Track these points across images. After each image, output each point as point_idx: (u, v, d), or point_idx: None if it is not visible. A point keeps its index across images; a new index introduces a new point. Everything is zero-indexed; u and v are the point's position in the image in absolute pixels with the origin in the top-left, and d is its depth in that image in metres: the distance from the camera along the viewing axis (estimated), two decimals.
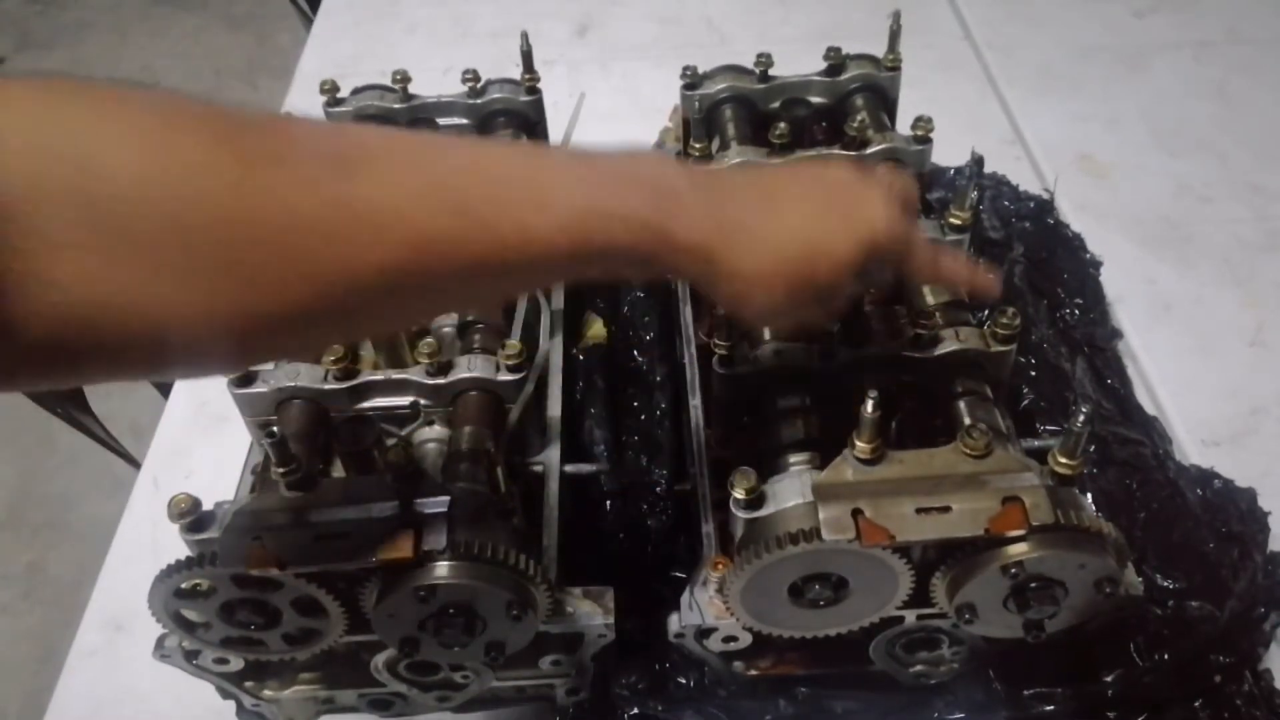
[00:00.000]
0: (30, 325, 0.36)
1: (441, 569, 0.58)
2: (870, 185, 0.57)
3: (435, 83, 0.98)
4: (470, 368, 0.71)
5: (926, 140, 0.84)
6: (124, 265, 0.37)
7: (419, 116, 0.95)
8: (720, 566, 0.64)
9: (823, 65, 0.92)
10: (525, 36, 0.94)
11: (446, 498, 0.60)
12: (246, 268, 0.40)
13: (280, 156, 0.41)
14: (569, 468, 0.75)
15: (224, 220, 0.39)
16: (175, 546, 0.61)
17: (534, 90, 0.95)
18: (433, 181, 0.44)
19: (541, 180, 0.47)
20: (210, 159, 0.39)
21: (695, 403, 0.78)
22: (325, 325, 0.45)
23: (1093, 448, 0.88)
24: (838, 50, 0.92)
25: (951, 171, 1.14)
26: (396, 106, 0.94)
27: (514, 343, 0.70)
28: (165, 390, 1.10)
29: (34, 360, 0.38)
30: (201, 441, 1.00)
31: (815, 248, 0.53)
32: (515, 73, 0.96)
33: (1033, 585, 0.60)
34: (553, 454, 0.75)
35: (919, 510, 0.57)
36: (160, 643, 0.67)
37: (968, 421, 0.66)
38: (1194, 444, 0.94)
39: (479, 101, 0.95)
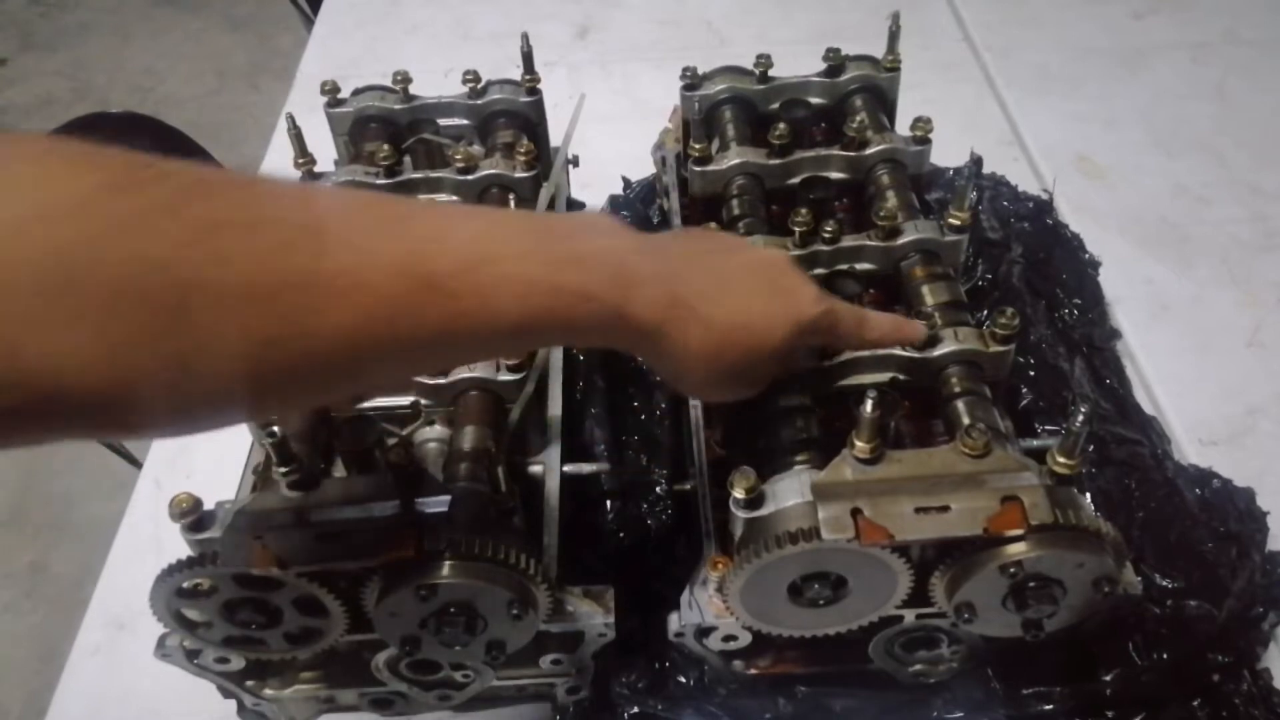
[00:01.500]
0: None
1: (443, 568, 0.59)
2: (800, 271, 0.62)
3: (436, 84, 0.98)
4: (471, 368, 0.71)
5: (925, 141, 0.84)
6: (71, 330, 0.36)
7: (419, 117, 0.95)
8: (720, 566, 0.64)
9: (822, 66, 0.92)
10: (526, 38, 0.95)
11: (447, 497, 0.60)
12: (198, 332, 0.38)
13: (243, 223, 0.40)
14: (569, 467, 0.75)
15: (176, 284, 0.38)
16: (177, 546, 0.61)
17: (534, 91, 0.95)
18: (399, 251, 0.44)
19: (506, 253, 0.47)
20: (163, 222, 0.38)
21: (695, 402, 0.78)
22: (279, 392, 0.44)
23: (1091, 447, 0.88)
24: (837, 51, 0.92)
25: (950, 172, 1.15)
26: (397, 107, 0.94)
27: None
28: None
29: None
30: (202, 441, 0.99)
31: (754, 329, 0.56)
32: (516, 74, 0.97)
33: (1031, 584, 0.60)
34: (553, 453, 0.75)
35: (918, 509, 0.58)
36: (162, 642, 0.67)
37: (966, 421, 0.66)
38: (1192, 444, 0.94)
39: (479, 102, 0.95)
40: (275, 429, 0.65)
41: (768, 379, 0.63)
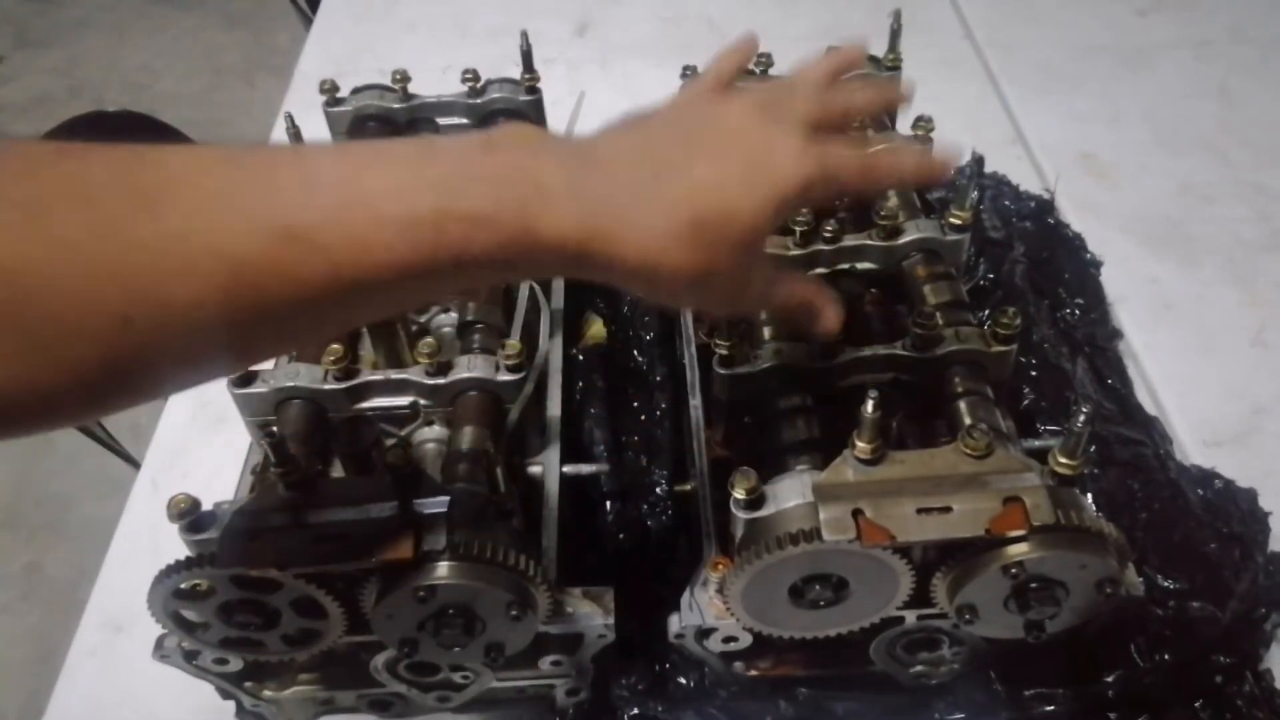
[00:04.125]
0: None
1: (441, 569, 0.58)
2: (776, 122, 0.50)
3: (435, 82, 0.97)
4: (470, 368, 0.70)
5: (927, 139, 0.84)
6: None
7: (418, 116, 0.95)
8: (720, 567, 0.63)
9: None
10: (525, 36, 0.94)
11: (446, 498, 0.60)
12: (48, 326, 0.36)
13: (74, 196, 0.37)
14: (568, 468, 0.75)
15: (15, 279, 0.35)
16: (174, 547, 0.60)
17: (534, 89, 0.95)
18: (252, 205, 0.40)
19: (382, 189, 0.42)
20: None
21: (695, 403, 0.78)
22: (157, 373, 0.41)
23: (1094, 448, 0.88)
24: (838, 49, 0.91)
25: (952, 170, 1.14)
26: (396, 106, 0.94)
27: (514, 343, 0.70)
28: None
29: None
30: (200, 442, 0.99)
31: (712, 220, 0.46)
32: (515, 72, 0.96)
33: (1033, 586, 0.60)
34: (552, 454, 0.75)
35: (919, 510, 0.57)
36: (159, 643, 0.67)
37: (968, 422, 0.65)
38: (1195, 444, 0.94)
39: (479, 101, 0.95)
40: (274, 429, 0.65)
41: (758, 277, 0.53)
